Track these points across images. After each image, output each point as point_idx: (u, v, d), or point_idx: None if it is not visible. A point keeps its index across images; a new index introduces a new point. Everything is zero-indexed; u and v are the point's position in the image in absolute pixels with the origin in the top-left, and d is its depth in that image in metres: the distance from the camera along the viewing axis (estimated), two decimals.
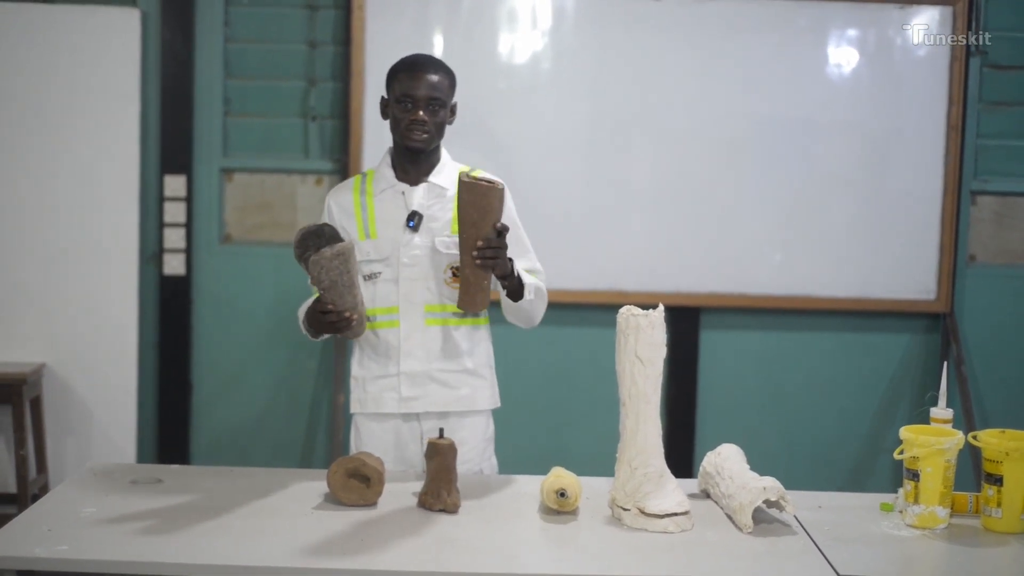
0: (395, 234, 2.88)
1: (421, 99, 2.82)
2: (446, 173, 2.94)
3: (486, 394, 2.98)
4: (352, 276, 2.71)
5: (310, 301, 2.87)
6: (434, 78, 2.83)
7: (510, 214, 2.95)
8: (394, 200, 2.91)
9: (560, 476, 2.57)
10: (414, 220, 2.88)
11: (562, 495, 2.50)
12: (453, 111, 2.92)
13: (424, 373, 2.89)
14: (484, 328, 2.99)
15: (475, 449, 2.93)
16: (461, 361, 2.92)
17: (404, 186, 2.91)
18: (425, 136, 2.84)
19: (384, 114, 2.92)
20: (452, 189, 2.90)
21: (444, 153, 2.97)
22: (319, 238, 2.73)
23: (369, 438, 2.94)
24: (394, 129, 2.89)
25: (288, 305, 4.89)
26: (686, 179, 4.84)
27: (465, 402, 2.93)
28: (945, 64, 4.82)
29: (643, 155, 4.85)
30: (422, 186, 2.91)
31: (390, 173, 2.93)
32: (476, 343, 2.96)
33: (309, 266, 2.67)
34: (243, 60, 4.88)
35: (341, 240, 2.76)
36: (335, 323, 2.74)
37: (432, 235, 2.89)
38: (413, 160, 2.90)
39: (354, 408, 2.98)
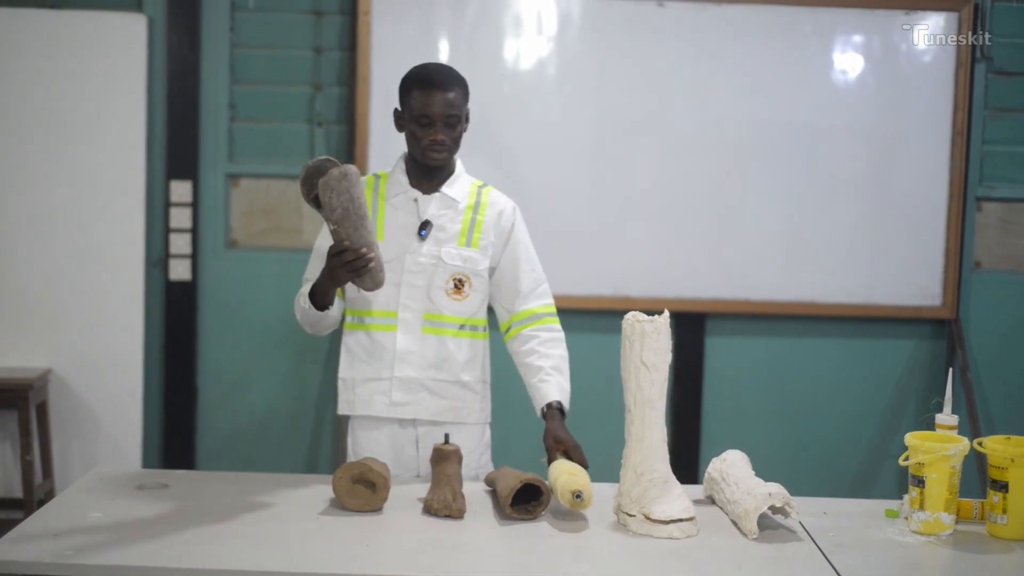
0: (403, 240, 2.89)
1: (438, 118, 2.80)
2: (459, 185, 2.95)
3: (476, 408, 2.97)
4: (362, 207, 2.62)
5: (307, 287, 2.84)
6: (450, 95, 2.80)
7: (519, 235, 2.98)
8: (406, 207, 2.92)
9: (575, 475, 2.56)
10: (426, 230, 2.89)
11: (578, 497, 2.49)
12: (467, 118, 2.90)
13: (416, 380, 2.90)
14: (483, 343, 2.99)
15: (472, 454, 2.94)
16: (455, 372, 2.92)
17: (417, 193, 2.92)
18: (444, 154, 2.86)
19: (398, 126, 2.90)
20: (464, 201, 2.93)
21: (459, 164, 2.97)
22: (323, 173, 2.62)
23: (366, 442, 2.95)
24: (411, 145, 2.87)
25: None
26: (691, 184, 4.85)
27: (453, 413, 2.93)
28: (951, 70, 4.82)
29: (648, 160, 4.85)
30: (435, 196, 2.92)
31: (404, 180, 2.93)
32: (473, 357, 2.96)
33: (319, 192, 2.59)
34: (249, 65, 4.89)
35: None
36: (352, 263, 2.62)
37: (439, 245, 2.90)
38: (429, 170, 2.91)
39: (343, 410, 2.99)
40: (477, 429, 2.99)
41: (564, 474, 2.57)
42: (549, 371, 2.89)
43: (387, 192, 2.93)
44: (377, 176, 2.99)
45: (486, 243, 2.93)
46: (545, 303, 2.98)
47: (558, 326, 2.98)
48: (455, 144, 2.87)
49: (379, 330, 2.90)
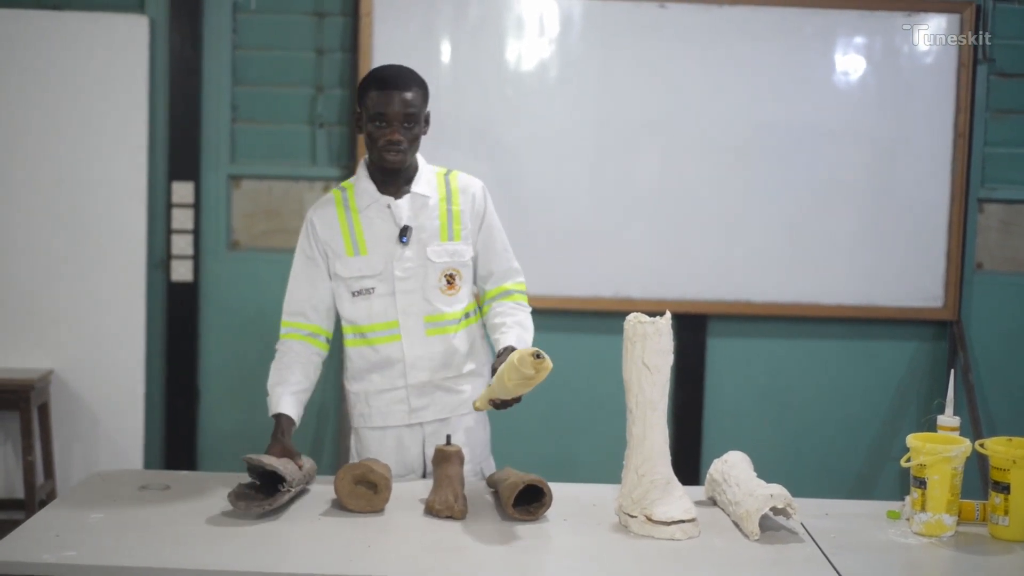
0: (386, 249, 2.88)
1: (395, 117, 2.77)
2: (425, 180, 2.92)
3: (481, 392, 2.98)
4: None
5: (276, 385, 2.86)
6: (407, 95, 2.78)
7: (491, 217, 2.98)
8: (381, 214, 2.88)
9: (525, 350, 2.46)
10: (407, 236, 2.87)
11: (538, 357, 2.43)
12: (427, 121, 2.87)
13: (430, 383, 2.91)
14: (477, 326, 3.01)
15: (475, 450, 2.95)
16: (461, 366, 2.94)
17: (388, 199, 2.88)
18: (401, 155, 2.82)
19: (359, 128, 2.87)
20: (434, 196, 2.91)
21: (420, 160, 2.94)
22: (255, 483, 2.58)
23: (371, 444, 2.95)
24: (369, 147, 2.84)
25: None
26: (693, 186, 4.85)
27: (465, 406, 2.95)
28: (952, 72, 4.82)
29: (650, 162, 4.85)
30: (405, 197, 2.89)
31: (371, 187, 2.89)
32: (473, 343, 2.98)
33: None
34: (251, 67, 4.89)
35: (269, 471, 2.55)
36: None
37: (422, 245, 2.88)
38: (391, 173, 2.88)
39: (357, 423, 2.98)
40: (480, 420, 3.00)
41: (515, 354, 2.48)
42: (511, 325, 2.89)
43: (358, 203, 2.90)
44: (343, 188, 2.95)
45: (467, 232, 2.93)
46: (517, 281, 3.00)
47: (526, 303, 3.00)
48: (412, 145, 2.83)
49: (383, 342, 2.90)
